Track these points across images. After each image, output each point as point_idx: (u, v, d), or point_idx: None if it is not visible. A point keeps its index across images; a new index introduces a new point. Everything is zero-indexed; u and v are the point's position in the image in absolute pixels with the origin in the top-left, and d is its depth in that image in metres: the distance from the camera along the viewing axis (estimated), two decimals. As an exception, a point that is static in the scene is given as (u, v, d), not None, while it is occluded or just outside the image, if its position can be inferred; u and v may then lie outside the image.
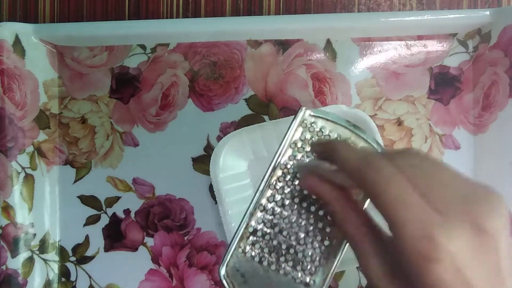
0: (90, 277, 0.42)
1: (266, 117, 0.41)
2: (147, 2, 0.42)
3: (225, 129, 0.41)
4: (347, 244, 0.26)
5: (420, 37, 0.41)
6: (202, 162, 0.41)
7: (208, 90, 0.41)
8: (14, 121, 0.39)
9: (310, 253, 0.27)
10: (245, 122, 0.41)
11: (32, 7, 0.43)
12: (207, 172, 0.40)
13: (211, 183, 0.38)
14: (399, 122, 0.41)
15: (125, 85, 0.42)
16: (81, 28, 0.40)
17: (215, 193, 0.37)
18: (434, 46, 0.41)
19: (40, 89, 0.41)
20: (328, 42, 0.41)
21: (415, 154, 0.22)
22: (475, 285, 0.18)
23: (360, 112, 0.37)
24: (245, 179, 0.39)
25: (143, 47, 0.41)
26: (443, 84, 0.41)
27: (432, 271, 0.19)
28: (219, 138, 0.41)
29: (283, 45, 0.41)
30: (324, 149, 0.26)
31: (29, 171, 0.40)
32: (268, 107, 0.41)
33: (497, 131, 0.39)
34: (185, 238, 0.41)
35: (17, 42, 0.39)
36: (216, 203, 0.38)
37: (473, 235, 0.19)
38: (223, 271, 0.27)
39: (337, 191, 0.25)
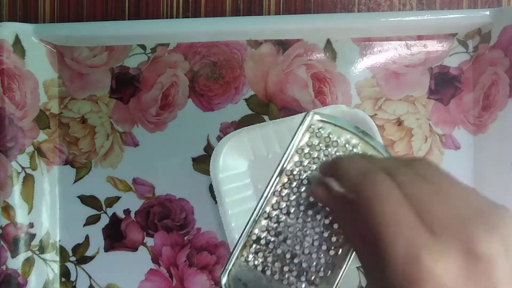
0: (90, 277, 0.42)
1: (266, 117, 0.41)
2: (147, 2, 0.42)
3: (225, 129, 0.41)
4: (353, 254, 0.26)
5: (420, 37, 0.41)
6: (202, 162, 0.41)
7: (208, 90, 0.41)
8: (14, 121, 0.39)
9: (315, 263, 0.26)
10: (245, 122, 0.41)
11: (32, 7, 0.43)
12: (207, 172, 0.40)
13: (211, 183, 0.38)
14: (399, 122, 0.41)
15: (125, 85, 0.42)
16: (81, 28, 0.40)
17: (215, 193, 0.37)
18: (434, 46, 0.41)
19: (40, 89, 0.41)
20: (328, 42, 0.41)
21: (423, 164, 0.21)
22: None
23: (360, 112, 0.37)
24: (245, 179, 0.39)
25: (143, 47, 0.41)
26: (443, 84, 0.41)
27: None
28: (219, 138, 0.41)
29: (283, 45, 0.41)
30: (329, 167, 0.25)
31: (29, 171, 0.40)
32: (268, 107, 0.41)
33: (497, 131, 0.39)
34: (185, 238, 0.41)
35: (17, 42, 0.39)
36: (216, 203, 0.37)
37: (464, 259, 0.18)
38: (224, 280, 0.26)
39: (345, 200, 0.24)
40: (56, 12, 0.43)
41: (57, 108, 0.42)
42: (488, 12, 0.38)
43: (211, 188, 0.41)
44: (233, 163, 0.38)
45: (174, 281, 0.41)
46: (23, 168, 0.40)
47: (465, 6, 0.42)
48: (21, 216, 0.40)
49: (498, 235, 0.18)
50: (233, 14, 0.42)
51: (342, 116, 0.36)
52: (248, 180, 0.39)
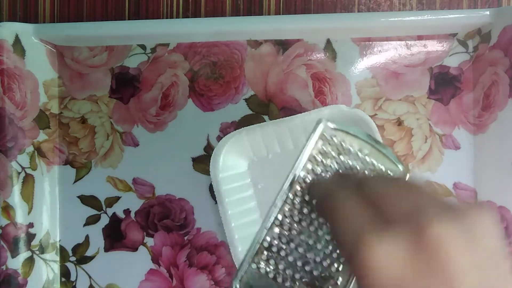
0: (90, 277, 0.42)
1: (266, 117, 0.41)
2: (147, 2, 0.42)
3: (225, 129, 0.41)
4: None
5: (420, 37, 0.41)
6: (202, 162, 0.41)
7: (208, 90, 0.41)
8: (14, 121, 0.39)
9: (326, 271, 0.26)
10: (245, 122, 0.41)
11: (32, 7, 0.43)
12: (207, 172, 0.40)
13: (211, 183, 0.38)
14: (399, 122, 0.41)
15: (125, 85, 0.42)
16: (81, 28, 0.40)
17: (215, 193, 0.37)
18: (434, 46, 0.41)
19: (40, 89, 0.41)
20: (328, 42, 0.41)
21: (390, 179, 0.22)
22: None
23: (360, 112, 0.36)
24: (245, 179, 0.39)
25: (143, 47, 0.41)
26: (443, 84, 0.41)
27: (366, 278, 0.17)
28: (219, 138, 0.41)
29: (283, 45, 0.41)
30: (307, 190, 0.26)
31: (29, 171, 0.40)
32: (268, 107, 0.41)
33: (497, 131, 0.39)
34: (185, 238, 0.41)
35: (17, 42, 0.39)
36: (216, 203, 0.37)
37: (412, 241, 0.16)
38: (236, 286, 0.26)
39: None
40: (56, 12, 0.43)
41: (57, 108, 0.42)
42: (488, 12, 0.38)
43: (211, 188, 0.41)
44: (233, 163, 0.38)
45: (174, 281, 0.41)
46: (23, 168, 0.40)
47: (465, 6, 0.42)
48: (21, 216, 0.40)
49: (460, 224, 0.16)
50: (233, 14, 0.42)
51: (342, 116, 0.36)
52: (248, 180, 0.39)
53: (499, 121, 0.39)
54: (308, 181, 0.27)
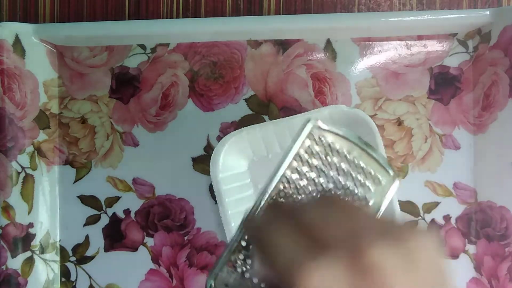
0: (90, 277, 0.42)
1: (266, 117, 0.41)
2: (147, 2, 0.42)
3: (225, 129, 0.41)
4: None
5: (420, 37, 0.41)
6: (202, 162, 0.41)
7: (208, 90, 0.41)
8: (14, 121, 0.39)
9: None
10: (245, 122, 0.41)
11: (32, 7, 0.43)
12: (207, 172, 0.40)
13: (211, 183, 0.38)
14: (399, 122, 0.41)
15: (125, 85, 0.42)
16: (81, 28, 0.40)
17: (215, 193, 0.37)
18: (434, 46, 0.41)
19: (40, 89, 0.41)
20: (328, 42, 0.41)
21: (325, 204, 0.21)
22: None
23: (360, 112, 0.36)
24: (245, 179, 0.39)
25: (143, 47, 0.41)
26: (443, 84, 0.41)
27: None
28: (219, 138, 0.41)
29: (283, 45, 0.41)
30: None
31: (29, 171, 0.40)
32: (268, 107, 0.41)
33: (497, 131, 0.39)
34: (185, 238, 0.41)
35: (17, 42, 0.39)
36: (216, 203, 0.37)
37: (350, 264, 0.16)
38: (211, 283, 0.26)
39: None
40: (56, 12, 0.43)
41: (57, 108, 0.42)
42: (488, 12, 0.38)
43: (211, 188, 0.41)
44: (233, 163, 0.38)
45: (174, 281, 0.41)
46: (23, 168, 0.40)
47: (465, 6, 0.42)
48: (21, 216, 0.40)
49: (399, 247, 0.16)
50: (233, 14, 0.42)
51: (342, 116, 0.36)
52: (248, 180, 0.39)
53: (499, 121, 0.39)
54: (292, 181, 0.27)
